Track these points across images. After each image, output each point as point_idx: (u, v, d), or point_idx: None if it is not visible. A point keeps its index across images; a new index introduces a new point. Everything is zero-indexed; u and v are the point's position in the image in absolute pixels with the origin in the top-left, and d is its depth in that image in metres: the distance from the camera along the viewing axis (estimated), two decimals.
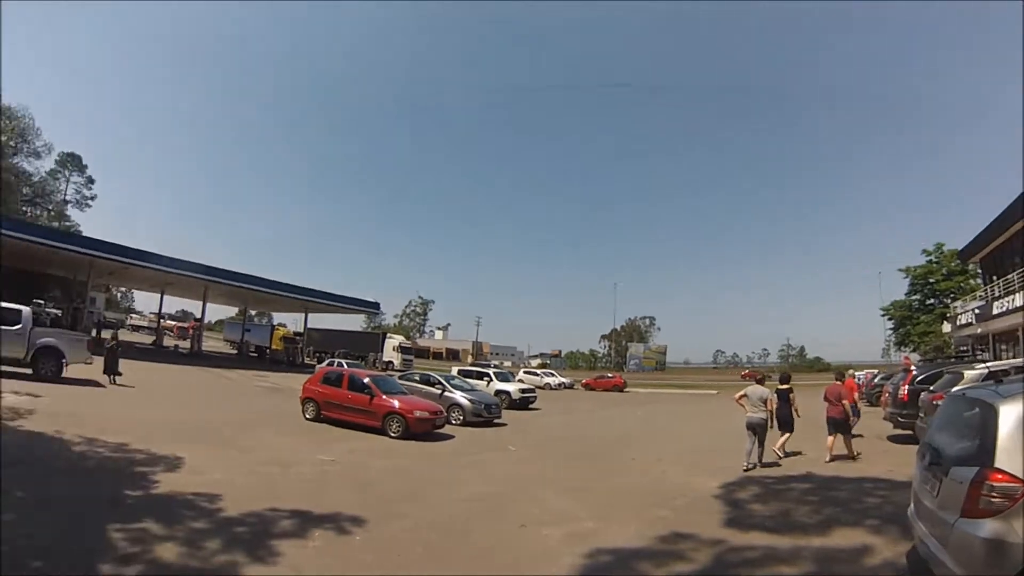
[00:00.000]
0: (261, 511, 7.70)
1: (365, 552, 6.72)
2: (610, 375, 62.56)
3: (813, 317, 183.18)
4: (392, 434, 15.90)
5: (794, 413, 13.39)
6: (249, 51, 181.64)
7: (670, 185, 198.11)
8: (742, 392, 13.13)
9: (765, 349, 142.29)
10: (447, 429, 17.85)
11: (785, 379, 14.01)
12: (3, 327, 17.90)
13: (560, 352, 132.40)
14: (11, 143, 52.51)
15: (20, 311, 18.84)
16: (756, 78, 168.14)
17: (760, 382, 13.73)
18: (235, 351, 62.55)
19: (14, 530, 6.21)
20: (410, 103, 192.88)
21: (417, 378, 23.18)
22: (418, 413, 16.34)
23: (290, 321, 75.68)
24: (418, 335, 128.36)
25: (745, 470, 12.11)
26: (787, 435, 13.34)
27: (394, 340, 65.81)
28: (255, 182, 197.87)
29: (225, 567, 5.84)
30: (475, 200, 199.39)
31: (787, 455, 13.21)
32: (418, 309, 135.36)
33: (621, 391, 52.93)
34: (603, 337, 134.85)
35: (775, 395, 13.20)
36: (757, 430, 12.59)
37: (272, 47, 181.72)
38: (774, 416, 12.98)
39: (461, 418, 20.27)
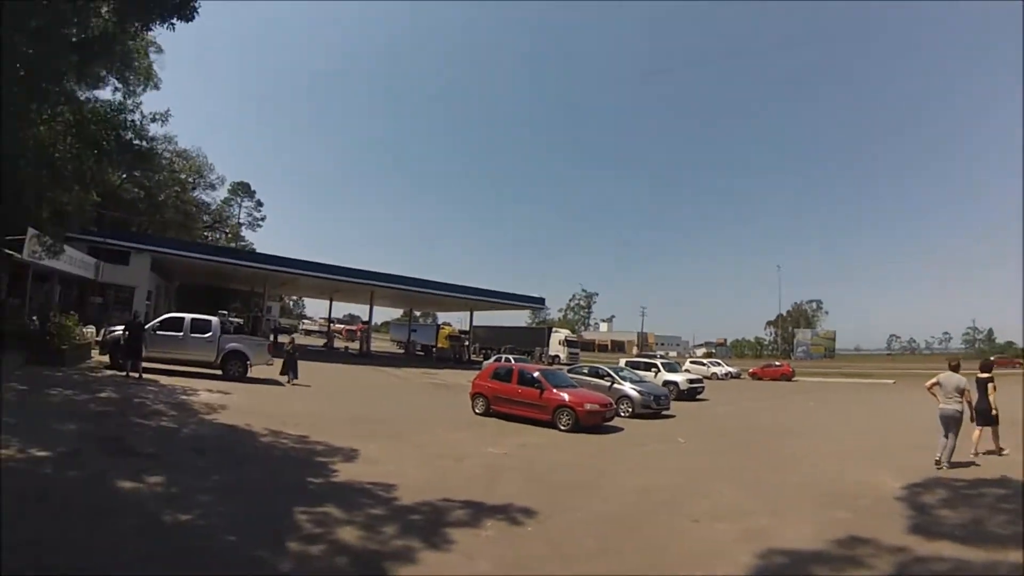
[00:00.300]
0: (434, 501, 7.93)
1: (537, 542, 6.71)
2: (777, 363, 59.25)
3: (1004, 296, 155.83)
4: (562, 427, 15.86)
5: (992, 406, 11.87)
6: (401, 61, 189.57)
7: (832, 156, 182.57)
8: (934, 380, 11.63)
9: (946, 333, 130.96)
10: (616, 421, 17.64)
11: (987, 367, 12.43)
12: (197, 335, 20.93)
13: (725, 340, 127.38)
14: (190, 180, 59.60)
15: (210, 321, 21.89)
16: None
17: (955, 369, 12.03)
18: (402, 350, 65.58)
19: (214, 507, 6.99)
20: (566, 102, 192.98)
21: (585, 371, 23.26)
22: (588, 406, 16.21)
23: (455, 320, 78.51)
24: (583, 328, 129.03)
25: (938, 468, 10.86)
26: (983, 430, 11.92)
27: (559, 334, 65.96)
28: (409, 186, 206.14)
29: (401, 551, 6.07)
30: (634, 189, 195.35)
31: (984, 454, 11.78)
32: (582, 302, 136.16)
33: (789, 380, 50.03)
34: (768, 323, 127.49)
35: (973, 384, 11.76)
36: (951, 424, 11.10)
37: (426, 56, 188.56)
38: (971, 409, 11.59)
39: (630, 410, 19.95)
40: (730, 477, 10.74)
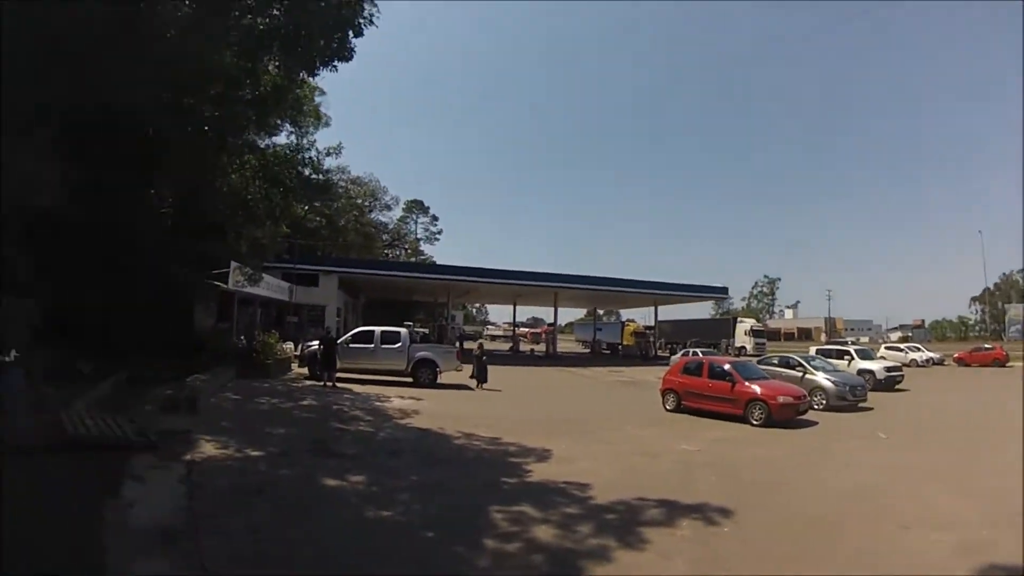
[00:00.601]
0: (628, 500, 7.84)
1: (733, 543, 6.46)
2: (987, 346, 51.83)
3: None
4: (754, 422, 15.30)
5: None
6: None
7: None
8: None
9: None
10: (809, 415, 16.52)
11: None
12: (387, 346, 22.57)
13: (923, 322, 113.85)
14: (366, 204, 64.66)
15: (399, 332, 23.78)
16: None
17: None
18: (587, 350, 66.35)
19: (412, 505, 7.44)
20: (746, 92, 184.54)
21: (776, 361, 22.40)
22: (781, 399, 15.46)
23: (638, 316, 77.67)
24: (767, 316, 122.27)
25: None
26: None
27: (745, 324, 63.43)
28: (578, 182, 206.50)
29: (596, 550, 6.07)
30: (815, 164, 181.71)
31: None
32: (764, 289, 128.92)
33: (1003, 365, 43.10)
34: (973, 300, 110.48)
35: None
36: None
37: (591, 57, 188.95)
38: None
39: (824, 402, 18.64)
40: (941, 479, 9.76)
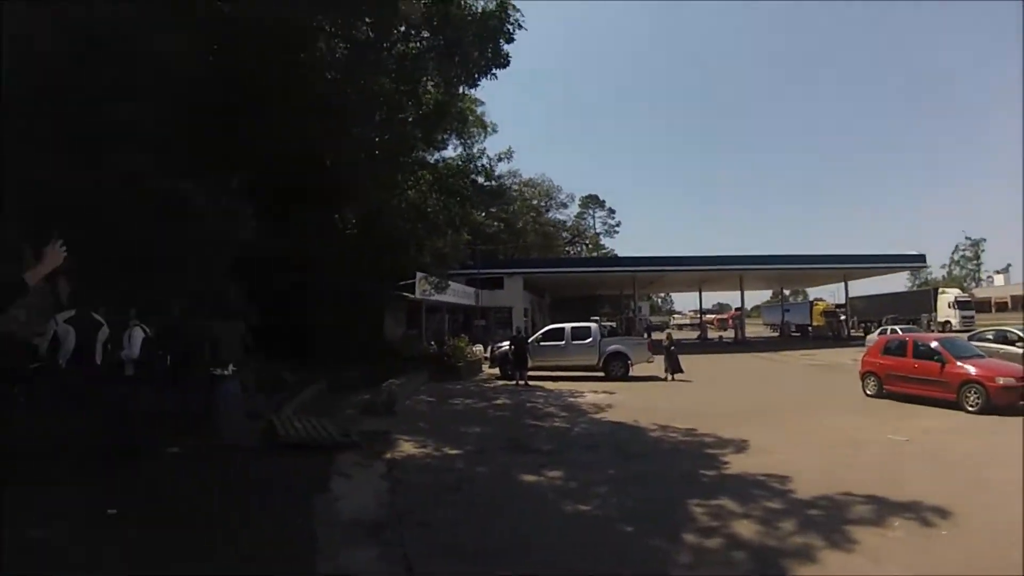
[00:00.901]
0: (833, 495, 7.22)
1: (952, 550, 5.63)
2: None
3: None
4: (969, 408, 13.43)
5: None
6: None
7: None
8: None
9: None
10: None
11: None
12: (578, 342, 22.96)
13: None
14: (541, 204, 65.82)
15: (589, 327, 24.24)
16: None
17: None
18: (776, 333, 63.03)
19: (610, 499, 7.34)
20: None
21: (990, 336, 20.26)
22: (1001, 380, 13.35)
23: (826, 294, 72.75)
24: (973, 284, 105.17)
25: None
26: None
27: (948, 295, 55.91)
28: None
29: (801, 549, 5.66)
30: None
31: None
32: (967, 253, 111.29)
33: None
34: None
35: None
36: None
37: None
38: None
39: None
40: None
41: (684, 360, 22.91)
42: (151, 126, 9.69)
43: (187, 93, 10.35)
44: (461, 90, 17.37)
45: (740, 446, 10.23)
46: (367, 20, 13.87)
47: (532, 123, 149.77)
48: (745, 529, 6.16)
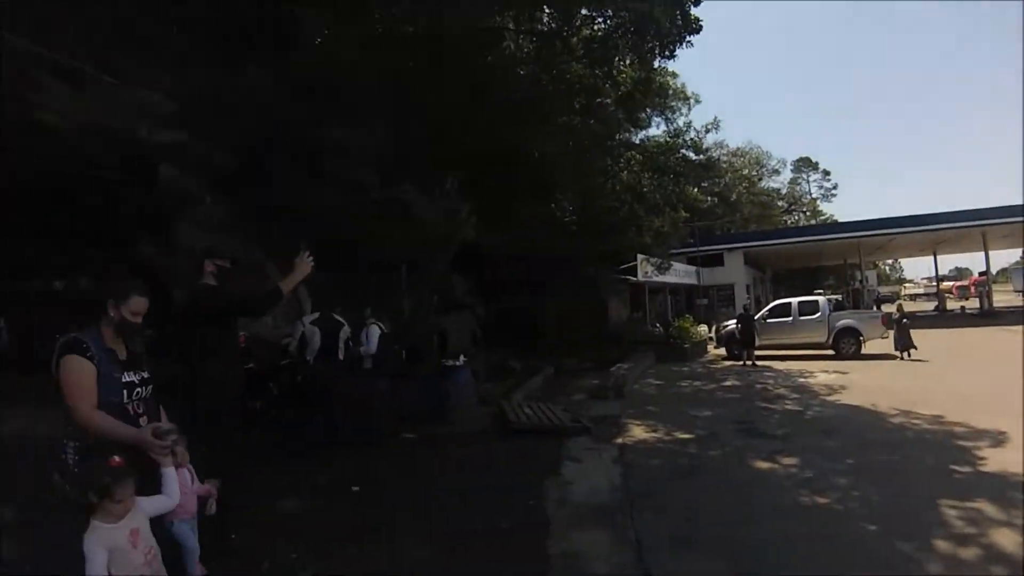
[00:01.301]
0: None
1: None
2: None
3: None
4: None
5: None
6: None
7: None
8: None
9: None
10: None
11: None
12: (805, 317, 21.72)
13: None
14: (753, 173, 62.98)
15: (817, 301, 22.47)
16: None
17: None
18: None
19: (850, 492, 6.86)
20: None
21: None
22: None
23: None
24: None
25: None
26: None
27: None
28: None
29: None
30: None
31: None
32: None
33: None
34: None
35: None
36: None
37: None
38: None
39: None
40: None
41: (919, 336, 20.37)
42: (373, 144, 10.90)
43: (403, 111, 11.44)
44: (656, 64, 16.89)
45: (998, 439, 8.97)
46: (546, 10, 14.13)
47: (741, 89, 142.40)
48: (1007, 540, 5.39)
